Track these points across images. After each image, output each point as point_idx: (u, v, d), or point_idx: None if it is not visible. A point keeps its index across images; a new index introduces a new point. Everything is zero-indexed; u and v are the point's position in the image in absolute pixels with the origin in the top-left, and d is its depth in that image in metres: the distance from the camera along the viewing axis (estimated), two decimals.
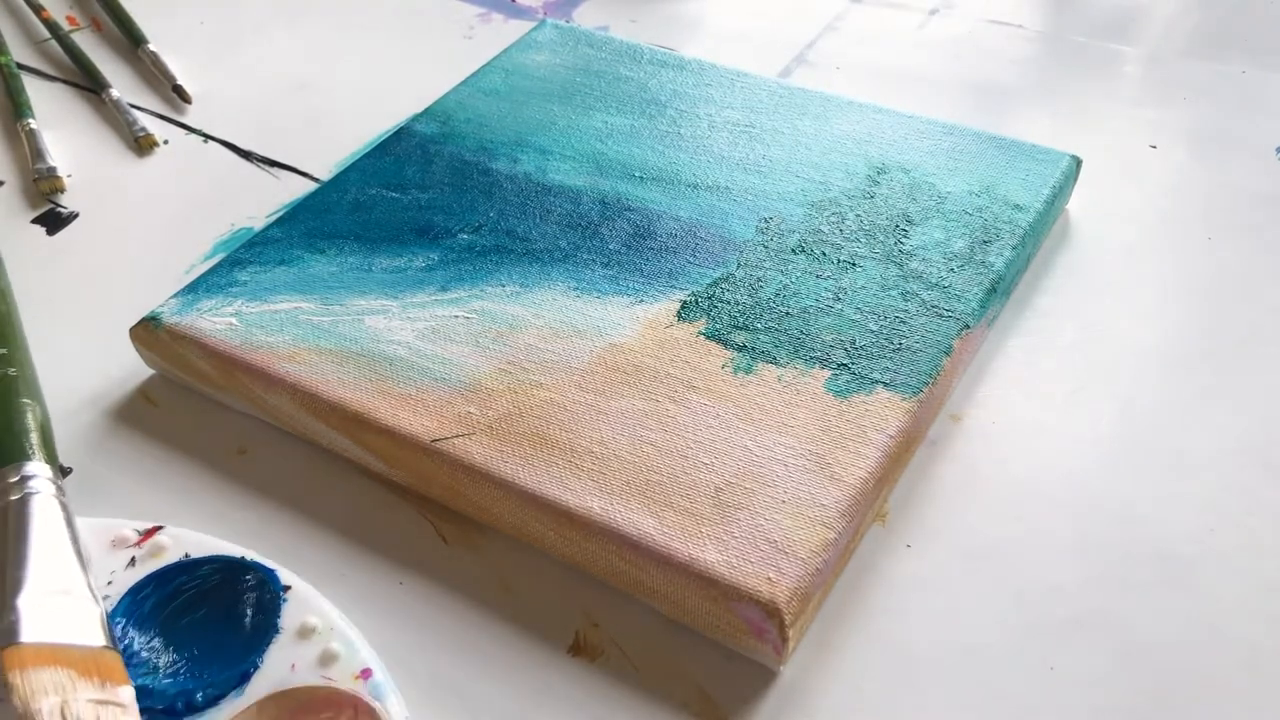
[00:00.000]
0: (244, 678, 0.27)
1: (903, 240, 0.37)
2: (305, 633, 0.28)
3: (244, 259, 0.37)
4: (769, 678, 0.28)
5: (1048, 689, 0.28)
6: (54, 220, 0.44)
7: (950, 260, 0.36)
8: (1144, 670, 0.28)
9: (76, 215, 0.44)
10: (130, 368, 0.37)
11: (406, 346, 0.34)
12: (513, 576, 0.31)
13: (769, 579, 0.27)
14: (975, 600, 0.30)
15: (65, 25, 0.54)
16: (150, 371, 0.37)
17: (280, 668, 0.27)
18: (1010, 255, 0.36)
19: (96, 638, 0.26)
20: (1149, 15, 0.52)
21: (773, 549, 0.28)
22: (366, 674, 0.27)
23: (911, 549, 0.31)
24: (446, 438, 0.31)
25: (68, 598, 0.27)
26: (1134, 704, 0.27)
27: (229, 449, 0.34)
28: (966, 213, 0.38)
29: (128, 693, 0.25)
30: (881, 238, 0.37)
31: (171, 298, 0.36)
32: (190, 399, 0.36)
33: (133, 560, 0.29)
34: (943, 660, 0.28)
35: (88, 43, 0.53)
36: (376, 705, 0.26)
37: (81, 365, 0.37)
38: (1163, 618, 0.29)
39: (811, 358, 0.33)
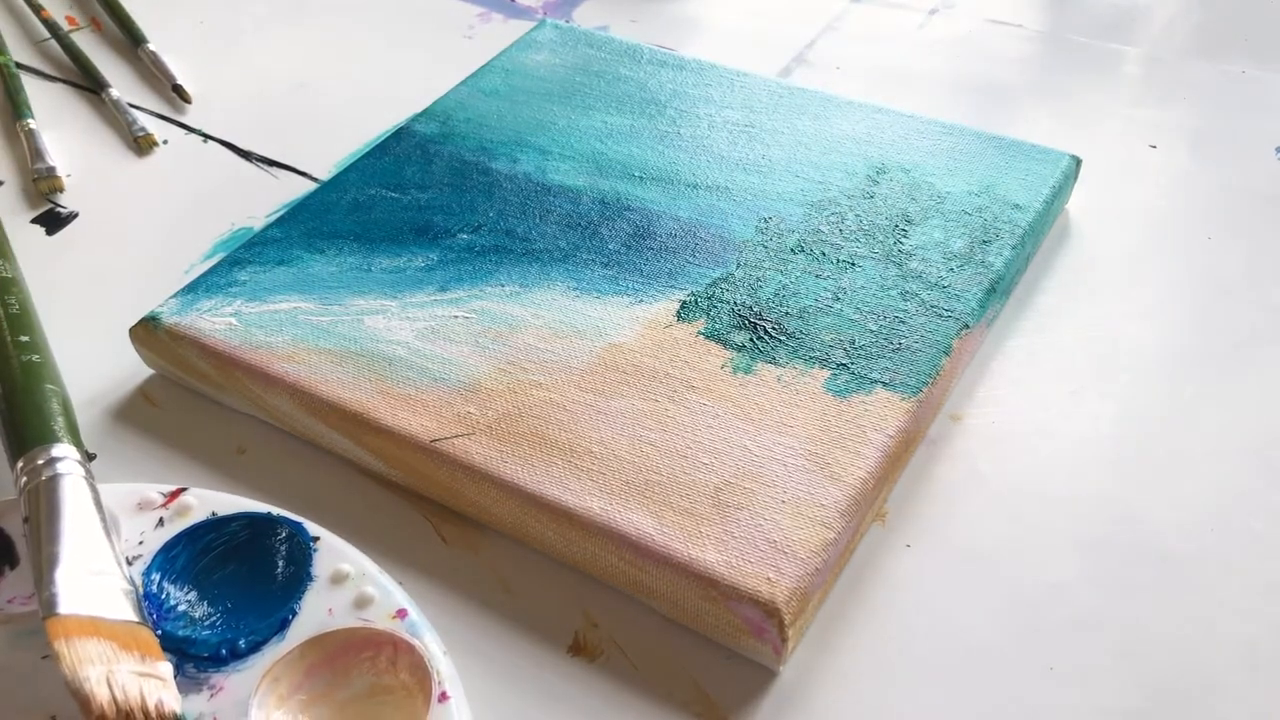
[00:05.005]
0: (283, 624, 0.28)
1: (902, 240, 0.37)
2: (339, 579, 0.29)
3: (243, 259, 0.37)
4: (769, 678, 0.28)
5: (1048, 689, 0.28)
6: (53, 220, 0.44)
7: (950, 260, 0.36)
8: (1144, 670, 0.28)
9: (76, 215, 0.44)
10: (130, 368, 0.37)
11: (406, 346, 0.34)
12: (513, 576, 0.31)
13: (769, 579, 0.27)
14: (975, 600, 0.30)
15: (65, 25, 0.54)
16: (150, 371, 0.37)
17: (318, 613, 0.28)
18: (1010, 255, 0.36)
19: (130, 615, 0.27)
20: (1149, 15, 0.52)
21: (772, 549, 0.28)
22: (402, 614, 0.28)
23: (911, 549, 0.31)
24: (446, 438, 0.31)
25: (101, 576, 0.27)
26: (1134, 704, 0.27)
27: (229, 449, 0.34)
28: (966, 213, 0.38)
29: (166, 668, 0.26)
30: (881, 238, 0.37)
31: (171, 298, 0.36)
32: (190, 399, 0.36)
33: (161, 521, 0.30)
34: (943, 660, 0.28)
35: (87, 43, 0.53)
36: (416, 642, 0.27)
37: (81, 365, 0.37)
38: (1162, 617, 0.29)
39: (811, 358, 0.33)
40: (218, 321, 0.35)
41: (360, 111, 0.48)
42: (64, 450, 0.30)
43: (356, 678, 0.27)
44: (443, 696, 0.26)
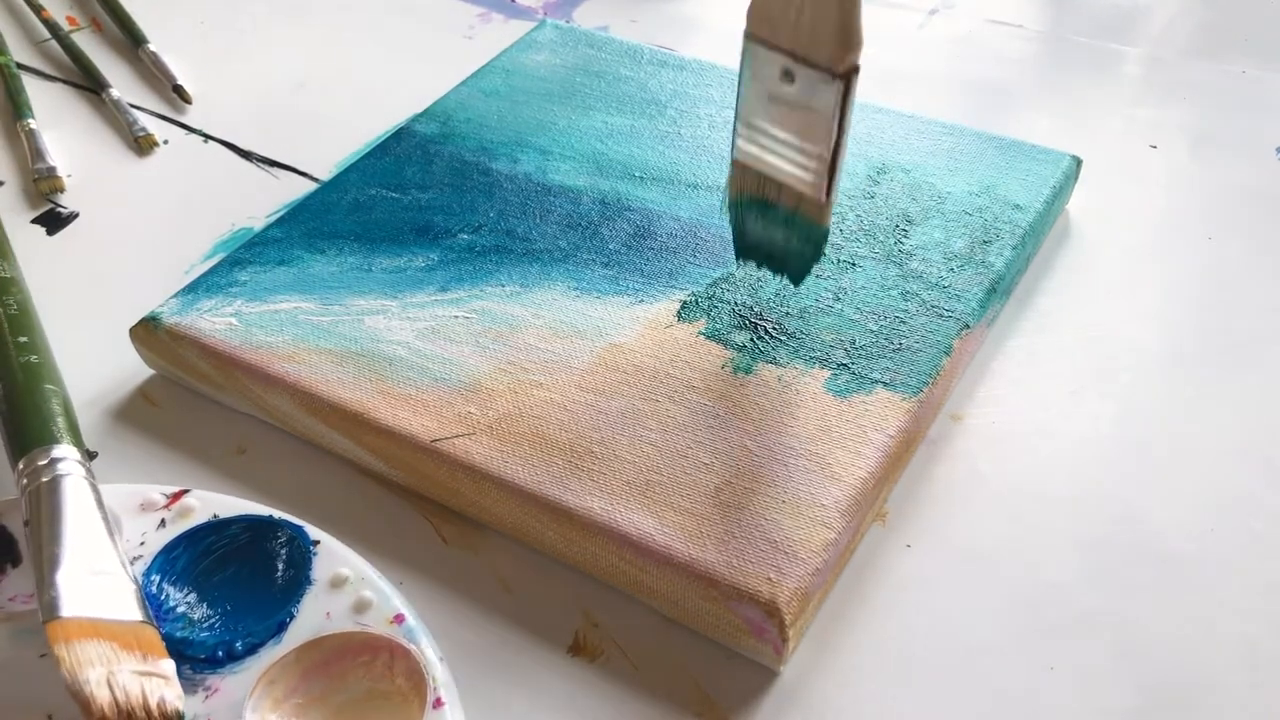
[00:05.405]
0: (280, 627, 0.28)
1: (903, 240, 0.37)
2: (338, 583, 0.29)
3: (244, 259, 0.37)
4: (769, 678, 0.28)
5: (1048, 689, 0.28)
6: (54, 220, 0.44)
7: (950, 260, 0.36)
8: (1144, 670, 0.28)
9: (76, 215, 0.44)
10: (130, 368, 0.37)
11: (406, 346, 0.34)
12: (513, 576, 0.31)
13: (769, 579, 0.27)
14: (975, 600, 0.30)
15: (65, 25, 0.54)
16: (150, 371, 0.37)
17: (315, 617, 0.28)
18: (1010, 255, 0.36)
19: (134, 613, 0.27)
20: (1149, 15, 0.52)
21: (773, 549, 0.28)
22: (400, 619, 0.28)
23: (911, 549, 0.31)
24: (446, 438, 0.31)
25: (104, 576, 0.27)
26: (1134, 704, 0.27)
27: (229, 449, 0.34)
28: (966, 213, 0.38)
29: (169, 665, 0.26)
30: (881, 238, 0.37)
31: (171, 298, 0.36)
32: (190, 399, 0.36)
33: (162, 522, 0.30)
34: (943, 660, 0.28)
35: (88, 43, 0.53)
36: (412, 648, 0.27)
37: (81, 365, 0.37)
38: (1162, 617, 0.29)
39: (811, 358, 0.33)
40: (218, 321, 0.35)
41: (360, 111, 0.48)
42: (64, 451, 0.30)
43: (353, 682, 0.27)
44: (438, 703, 0.26)
